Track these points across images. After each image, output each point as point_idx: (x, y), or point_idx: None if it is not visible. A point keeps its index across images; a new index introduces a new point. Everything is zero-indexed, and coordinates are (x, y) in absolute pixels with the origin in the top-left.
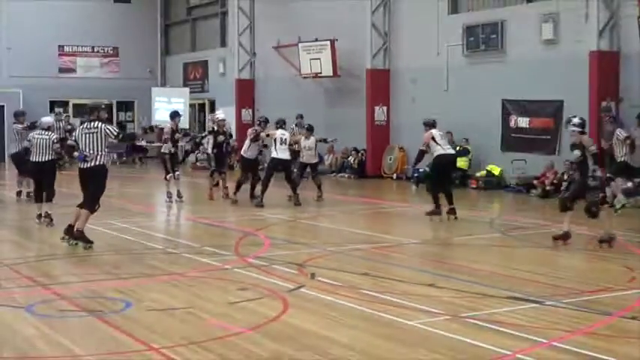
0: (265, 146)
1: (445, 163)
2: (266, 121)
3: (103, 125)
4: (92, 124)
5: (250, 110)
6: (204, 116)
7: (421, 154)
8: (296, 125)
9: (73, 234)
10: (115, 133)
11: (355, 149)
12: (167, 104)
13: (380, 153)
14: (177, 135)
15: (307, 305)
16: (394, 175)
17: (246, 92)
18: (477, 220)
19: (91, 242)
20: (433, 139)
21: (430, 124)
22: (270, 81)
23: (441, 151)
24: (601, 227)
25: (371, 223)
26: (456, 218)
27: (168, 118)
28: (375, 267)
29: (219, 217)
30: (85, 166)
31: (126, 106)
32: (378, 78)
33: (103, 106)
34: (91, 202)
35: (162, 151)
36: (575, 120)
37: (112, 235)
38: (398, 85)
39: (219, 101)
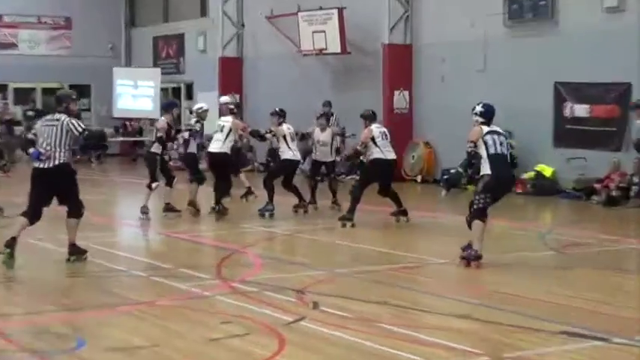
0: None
1: (382, 171)
2: (280, 113)
3: (67, 119)
4: (55, 115)
5: (238, 96)
6: (180, 104)
7: (355, 155)
8: (325, 117)
9: (70, 250)
10: (80, 130)
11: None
12: (132, 89)
13: (401, 149)
14: (175, 132)
15: (309, 342)
16: (418, 178)
17: (232, 74)
18: (523, 235)
19: (86, 252)
20: (372, 139)
21: (370, 118)
22: (263, 60)
23: (379, 155)
24: None
25: (389, 237)
26: (407, 220)
27: (136, 107)
28: (394, 294)
29: (197, 231)
30: (40, 166)
31: (80, 91)
32: (397, 55)
33: (74, 97)
34: (75, 207)
35: (151, 150)
36: None
37: (64, 254)
38: (422, 64)
39: (198, 85)
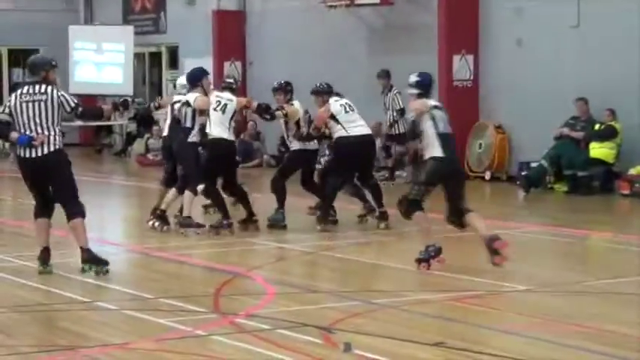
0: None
1: (354, 151)
2: (287, 88)
3: (56, 91)
4: (38, 88)
5: (239, 64)
6: (161, 75)
7: (309, 138)
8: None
9: (84, 257)
10: (73, 105)
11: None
12: (95, 54)
13: (463, 136)
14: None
15: None
16: (487, 174)
17: (230, 34)
18: (628, 251)
19: (107, 262)
20: (333, 117)
21: (324, 92)
22: (273, 14)
23: (343, 133)
24: None
25: (447, 255)
26: (387, 227)
27: (101, 79)
28: (454, 331)
29: (186, 248)
30: (30, 155)
31: (25, 57)
32: (458, 7)
33: (54, 63)
34: (75, 205)
35: (191, 140)
36: None
37: (2, 280)
38: (493, 20)
39: (184, 49)
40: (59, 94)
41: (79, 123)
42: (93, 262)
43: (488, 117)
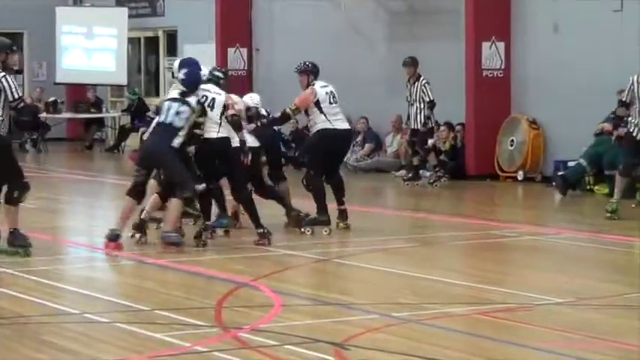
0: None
1: (336, 145)
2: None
3: (4, 77)
4: None
5: (245, 50)
6: (158, 62)
7: (283, 118)
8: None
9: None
10: (17, 97)
11: (446, 125)
12: (85, 39)
13: (493, 131)
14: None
15: None
16: (519, 174)
17: (235, 17)
18: None
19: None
20: (317, 104)
21: (310, 72)
22: None
23: (327, 125)
24: None
25: (475, 264)
26: (347, 227)
27: (91, 66)
28: (484, 348)
29: (184, 255)
30: None
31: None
32: None
33: (15, 48)
34: (11, 191)
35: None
36: None
37: None
38: (526, 3)
39: (184, 33)
40: (5, 80)
41: (66, 115)
42: (19, 242)
43: (521, 111)
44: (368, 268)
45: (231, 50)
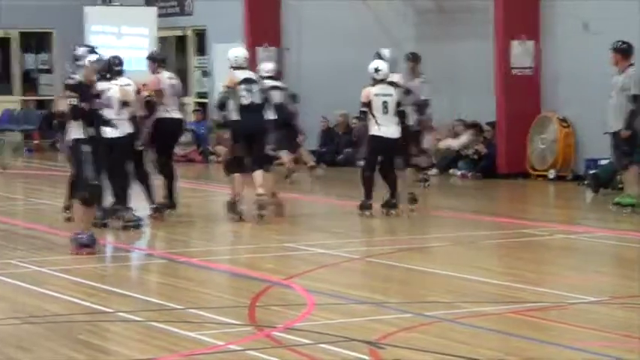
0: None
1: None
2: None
3: None
4: None
5: (274, 50)
6: (187, 62)
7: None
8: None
9: None
10: None
11: (475, 124)
12: (115, 38)
13: (523, 130)
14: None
15: None
16: (551, 173)
17: (265, 16)
18: None
19: None
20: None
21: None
22: None
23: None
24: None
25: (509, 262)
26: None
27: None
28: (518, 347)
29: (215, 253)
30: None
31: (38, 41)
32: None
33: None
34: None
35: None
36: None
37: (16, 288)
38: (555, 1)
39: (213, 32)
40: None
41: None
42: None
43: (551, 109)
44: (401, 267)
45: (260, 49)
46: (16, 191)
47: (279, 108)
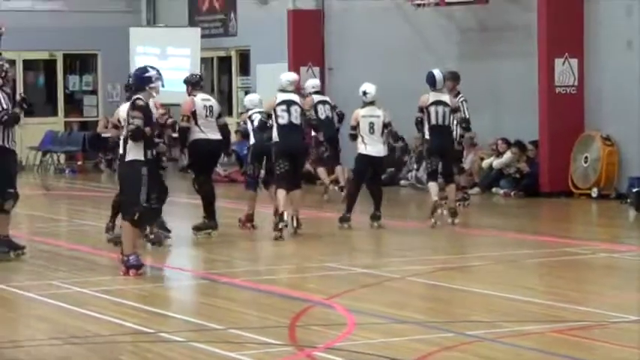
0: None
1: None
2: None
3: None
4: None
5: (317, 70)
6: (231, 82)
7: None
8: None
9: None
10: (4, 106)
11: (517, 143)
12: (159, 59)
13: (566, 148)
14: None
15: None
16: (594, 191)
17: (308, 36)
18: None
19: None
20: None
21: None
22: (354, 13)
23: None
24: None
25: (549, 282)
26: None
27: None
28: None
29: (256, 273)
30: None
31: (81, 62)
32: (560, 5)
33: (7, 65)
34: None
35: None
36: None
37: (58, 309)
38: (601, 19)
39: (257, 53)
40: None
41: None
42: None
43: (594, 127)
44: (442, 286)
45: (303, 69)
46: (60, 212)
47: (327, 122)
